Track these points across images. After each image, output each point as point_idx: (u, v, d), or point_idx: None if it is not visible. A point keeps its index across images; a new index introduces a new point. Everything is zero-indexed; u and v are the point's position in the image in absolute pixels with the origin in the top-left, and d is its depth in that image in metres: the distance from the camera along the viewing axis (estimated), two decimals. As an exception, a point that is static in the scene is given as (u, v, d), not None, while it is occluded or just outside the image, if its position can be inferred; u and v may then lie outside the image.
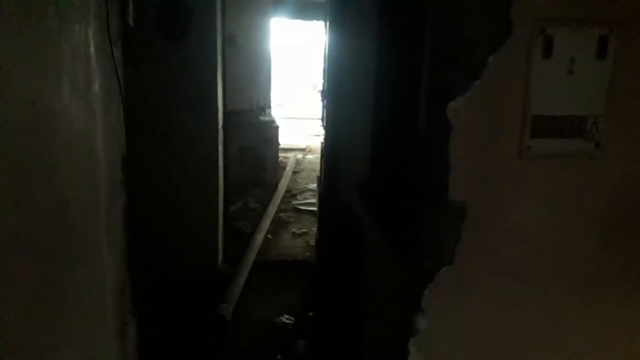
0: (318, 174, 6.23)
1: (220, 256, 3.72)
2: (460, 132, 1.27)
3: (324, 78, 3.24)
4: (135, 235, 2.24)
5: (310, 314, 3.08)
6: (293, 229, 4.68)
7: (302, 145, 9.71)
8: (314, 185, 6.42)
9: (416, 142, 1.42)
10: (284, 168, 7.26)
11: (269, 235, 4.45)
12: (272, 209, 5.04)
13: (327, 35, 3.03)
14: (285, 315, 3.09)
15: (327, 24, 3.02)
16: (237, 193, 5.51)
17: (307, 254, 4.10)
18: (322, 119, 3.31)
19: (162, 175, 3.37)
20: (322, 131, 3.54)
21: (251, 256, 3.77)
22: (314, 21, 8.27)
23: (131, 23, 1.91)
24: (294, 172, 7.15)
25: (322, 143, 3.44)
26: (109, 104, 1.73)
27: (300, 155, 8.60)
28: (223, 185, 3.78)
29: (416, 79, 1.44)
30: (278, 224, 4.81)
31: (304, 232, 4.59)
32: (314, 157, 8.55)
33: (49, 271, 1.20)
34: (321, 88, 3.36)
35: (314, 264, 3.79)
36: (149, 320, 2.70)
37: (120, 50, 1.82)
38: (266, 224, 4.60)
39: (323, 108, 3.26)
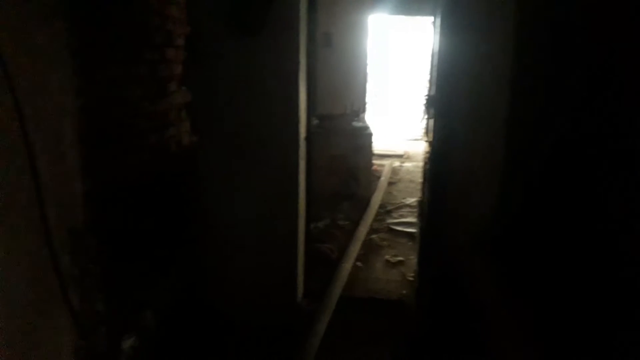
0: (419, 193, 5.49)
1: (300, 290, 3.18)
2: None
3: (431, 82, 2.55)
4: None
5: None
6: (387, 256, 4.01)
7: (399, 151, 8.95)
8: (412, 200, 5.69)
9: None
10: (378, 177, 6.60)
11: (358, 263, 3.84)
12: (362, 230, 4.42)
13: (438, 32, 2.35)
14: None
15: (439, 19, 2.33)
16: (325, 207, 4.98)
17: (404, 291, 3.42)
18: (427, 131, 2.62)
19: (229, 197, 2.92)
20: (426, 146, 2.85)
21: (336, 292, 3.19)
22: (418, 17, 7.60)
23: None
24: (390, 183, 6.46)
25: (425, 164, 2.75)
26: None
27: (397, 163, 7.87)
28: (305, 203, 3.24)
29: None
30: (369, 248, 4.18)
31: (400, 261, 3.90)
32: (413, 166, 7.77)
33: None
34: (427, 94, 2.66)
35: (411, 309, 3.11)
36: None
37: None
38: (355, 248, 3.99)
39: (428, 118, 2.57)
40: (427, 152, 2.67)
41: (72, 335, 1.61)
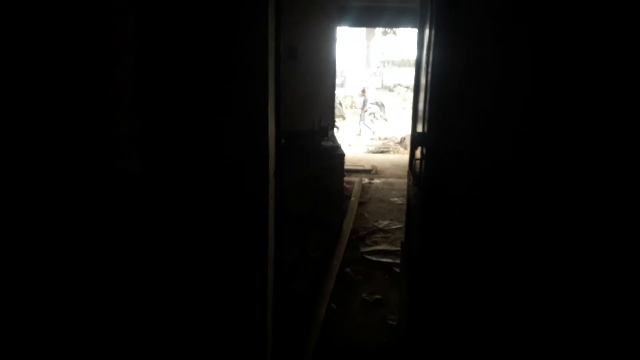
0: (391, 215, 5.12)
1: (270, 344, 2.79)
2: None
3: (417, 117, 2.22)
4: None
5: None
6: (364, 294, 3.66)
7: (367, 165, 8.70)
8: (385, 223, 5.39)
9: None
10: (348, 197, 6.28)
11: (332, 305, 3.47)
12: (336, 263, 4.07)
13: (429, 45, 2.03)
14: None
15: (432, 28, 2.00)
16: (294, 235, 4.60)
17: (384, 339, 3.07)
18: (416, 174, 2.29)
19: (183, 240, 2.50)
20: (414, 189, 2.52)
21: (311, 344, 2.81)
22: (379, 28, 7.39)
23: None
24: (360, 204, 6.15)
25: (409, 212, 2.42)
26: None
27: (366, 180, 7.58)
28: (274, 240, 2.85)
29: None
30: (344, 285, 3.82)
31: (378, 300, 3.56)
32: (382, 182, 7.52)
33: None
34: (416, 132, 2.33)
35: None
36: None
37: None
38: (329, 286, 3.63)
39: (415, 159, 2.23)
40: (417, 198, 2.33)
41: None
